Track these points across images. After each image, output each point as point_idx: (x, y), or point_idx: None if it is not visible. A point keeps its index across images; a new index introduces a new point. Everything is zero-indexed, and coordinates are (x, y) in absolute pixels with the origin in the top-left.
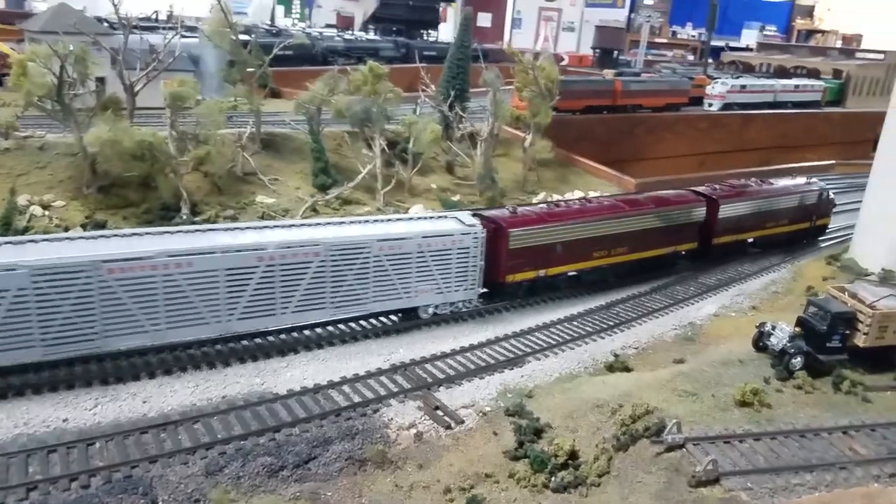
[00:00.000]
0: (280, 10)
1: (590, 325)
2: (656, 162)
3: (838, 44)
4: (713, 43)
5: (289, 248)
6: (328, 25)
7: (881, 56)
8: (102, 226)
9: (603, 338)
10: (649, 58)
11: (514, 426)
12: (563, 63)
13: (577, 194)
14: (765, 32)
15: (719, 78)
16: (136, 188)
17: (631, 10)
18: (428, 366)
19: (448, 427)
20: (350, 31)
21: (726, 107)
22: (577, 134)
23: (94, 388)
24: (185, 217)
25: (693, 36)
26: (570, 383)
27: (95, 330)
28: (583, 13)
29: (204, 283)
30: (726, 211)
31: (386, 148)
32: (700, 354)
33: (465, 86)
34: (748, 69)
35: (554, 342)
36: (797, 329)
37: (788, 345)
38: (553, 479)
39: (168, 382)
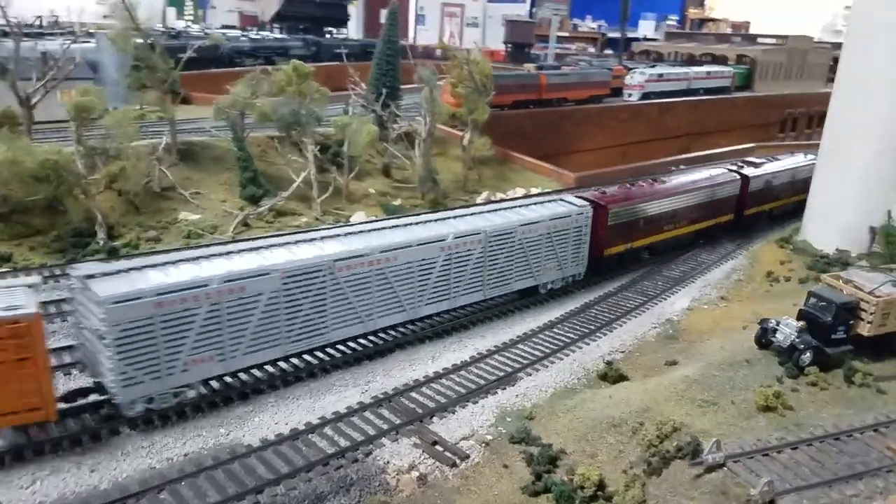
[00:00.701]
0: (171, 11)
1: (571, 331)
2: (584, 154)
3: (728, 31)
4: (612, 35)
5: (461, 237)
6: (224, 26)
7: (782, 41)
8: (7, 259)
9: (587, 343)
10: (557, 51)
11: (525, 455)
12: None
13: (519, 192)
14: (668, 22)
15: (636, 68)
16: (42, 213)
17: (532, 5)
18: (414, 394)
19: (453, 465)
20: (255, 31)
21: (645, 96)
22: (506, 130)
23: (30, 460)
24: (101, 243)
25: (593, 28)
26: (572, 399)
27: (326, 323)
28: (485, 8)
29: (404, 273)
30: (755, 184)
31: (317, 153)
32: (689, 354)
33: (396, 83)
34: (659, 58)
35: (540, 354)
36: (801, 323)
37: (798, 340)
38: None
39: (117, 444)
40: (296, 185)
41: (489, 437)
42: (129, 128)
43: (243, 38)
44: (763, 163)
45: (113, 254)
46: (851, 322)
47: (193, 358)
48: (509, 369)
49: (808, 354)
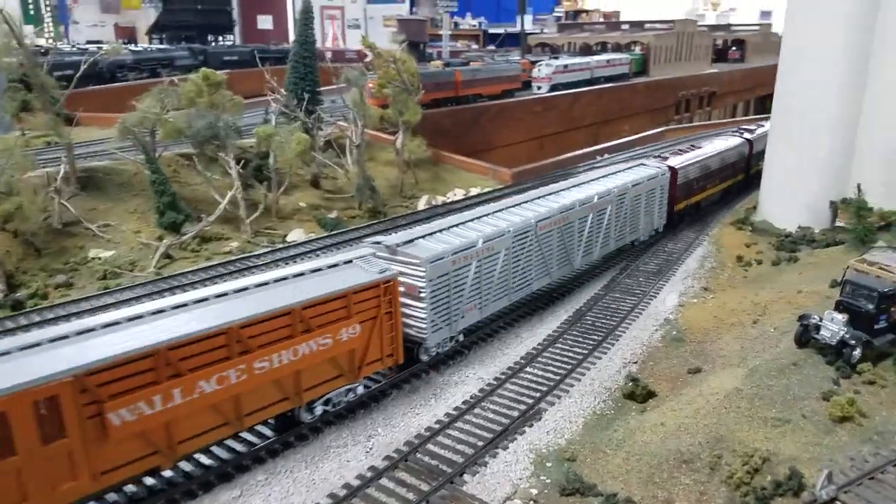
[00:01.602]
0: (28, 29)
1: (576, 345)
2: (504, 149)
3: (601, 21)
4: (493, 31)
5: (603, 197)
6: (90, 42)
7: (671, 25)
8: None
9: (598, 357)
10: (451, 49)
11: None
12: (369, 59)
13: (459, 193)
14: (555, 15)
15: (541, 61)
16: None
17: (412, 4)
18: (431, 446)
19: None
20: (133, 43)
21: (553, 88)
22: (428, 130)
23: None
24: (1, 297)
25: (474, 25)
26: (613, 430)
27: (531, 276)
28: (365, 10)
29: (573, 231)
30: (757, 146)
31: (240, 169)
32: (707, 357)
33: (316, 86)
34: (554, 50)
35: (554, 376)
36: (845, 316)
37: (848, 336)
38: None
39: None
40: (222, 206)
41: (534, 492)
42: (20, 158)
43: (124, 52)
44: (755, 129)
45: (18, 308)
46: (893, 309)
47: (467, 307)
48: (529, 400)
49: (858, 350)
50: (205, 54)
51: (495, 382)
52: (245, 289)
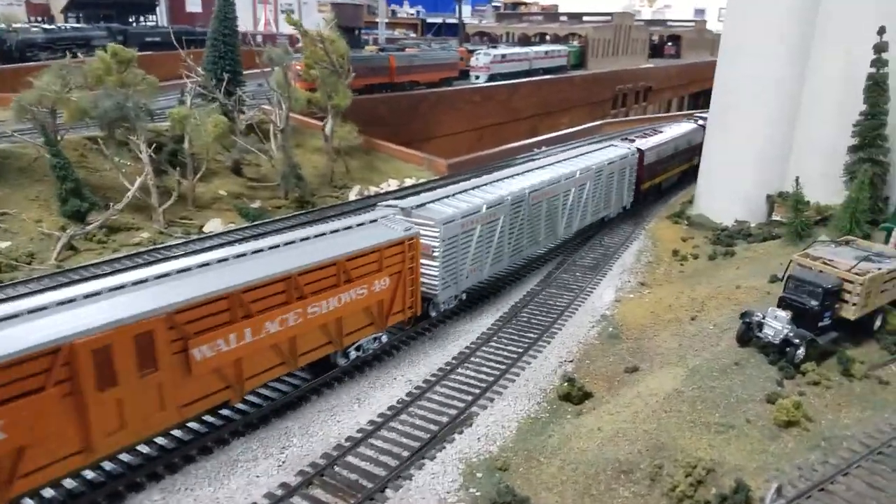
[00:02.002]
0: None
1: (511, 342)
2: (443, 140)
3: (540, 14)
4: (430, 20)
5: (584, 173)
6: None
7: (609, 18)
8: None
9: (534, 356)
10: (388, 36)
11: None
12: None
13: (393, 184)
14: (494, 5)
15: (479, 49)
16: None
17: None
18: (350, 458)
19: None
20: (48, 21)
21: (492, 78)
22: (361, 117)
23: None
24: None
25: (412, 14)
26: (548, 436)
27: (523, 243)
28: None
29: (558, 203)
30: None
31: (152, 153)
32: (645, 356)
33: (238, 66)
34: (493, 40)
35: (487, 378)
36: (789, 313)
37: (792, 334)
38: None
39: None
40: (131, 193)
41: None
42: None
43: (35, 29)
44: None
45: None
46: (837, 306)
47: (471, 268)
48: (460, 405)
49: (802, 350)
50: (125, 34)
51: (424, 385)
52: (293, 242)
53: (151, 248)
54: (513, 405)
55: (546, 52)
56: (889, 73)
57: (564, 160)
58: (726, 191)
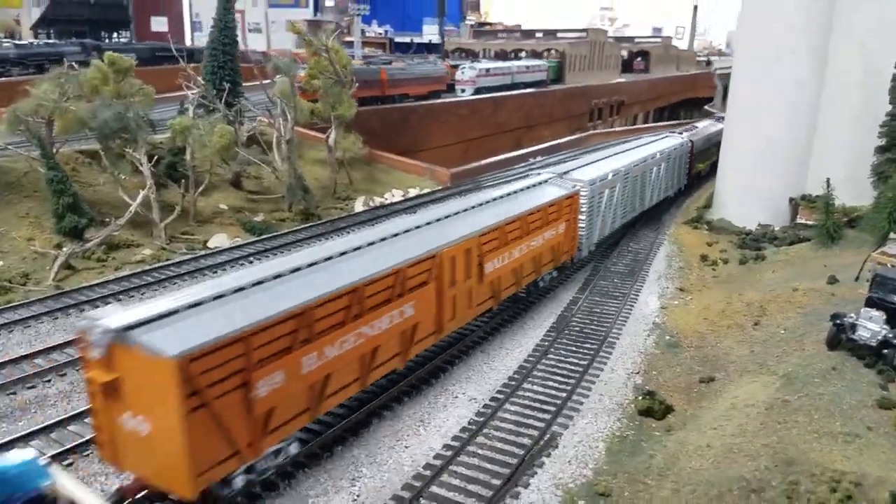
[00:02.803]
0: None
1: (572, 354)
2: (432, 152)
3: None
4: (399, 39)
5: (662, 154)
6: None
7: (583, 34)
8: None
9: (600, 368)
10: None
11: None
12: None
13: (397, 194)
14: (468, 22)
15: (463, 64)
16: None
17: (316, 10)
18: (436, 489)
19: None
20: (15, 38)
21: (477, 91)
22: (355, 129)
23: None
24: None
25: (380, 33)
26: (647, 456)
27: (626, 209)
28: (267, 14)
29: (645, 178)
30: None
31: (151, 167)
32: (716, 365)
33: (238, 77)
34: (473, 55)
35: (558, 394)
36: (882, 313)
37: (891, 335)
38: None
39: None
40: (134, 207)
41: None
42: None
43: (7, 45)
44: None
45: None
46: None
47: (599, 224)
48: (539, 424)
49: None
50: (98, 50)
51: (492, 403)
52: (502, 196)
53: (157, 265)
54: (594, 423)
55: (527, 67)
56: None
57: (639, 147)
58: (747, 194)
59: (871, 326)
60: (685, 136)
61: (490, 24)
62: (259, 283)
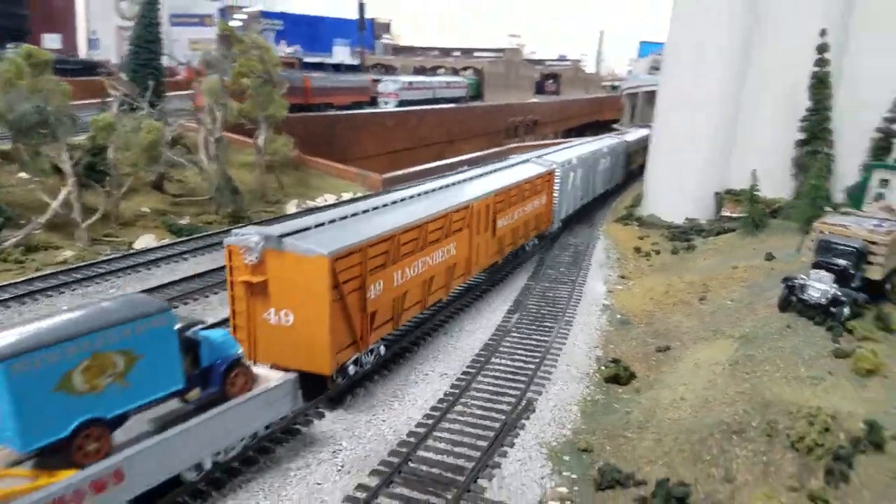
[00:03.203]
0: None
1: (535, 332)
2: (358, 162)
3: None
4: (309, 60)
5: (609, 149)
6: None
7: (500, 53)
8: None
9: (562, 343)
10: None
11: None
12: (180, 77)
13: (330, 198)
14: (385, 41)
15: (387, 77)
16: None
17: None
18: (423, 453)
19: None
20: None
21: (400, 104)
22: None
23: None
24: None
25: (290, 53)
26: (623, 414)
27: (580, 194)
28: (169, 32)
29: (595, 168)
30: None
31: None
32: (669, 336)
33: (161, 76)
34: (392, 71)
35: (528, 366)
36: (831, 275)
37: (840, 293)
38: None
39: None
40: (56, 205)
41: (564, 490)
42: None
43: None
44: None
45: None
46: (864, 267)
47: (566, 204)
48: (515, 392)
49: (847, 308)
50: None
51: (465, 377)
52: (492, 171)
53: (81, 264)
54: (565, 389)
55: (448, 83)
56: (829, 71)
57: (589, 143)
58: (674, 191)
59: (820, 286)
60: (622, 137)
61: (402, 46)
62: (355, 214)
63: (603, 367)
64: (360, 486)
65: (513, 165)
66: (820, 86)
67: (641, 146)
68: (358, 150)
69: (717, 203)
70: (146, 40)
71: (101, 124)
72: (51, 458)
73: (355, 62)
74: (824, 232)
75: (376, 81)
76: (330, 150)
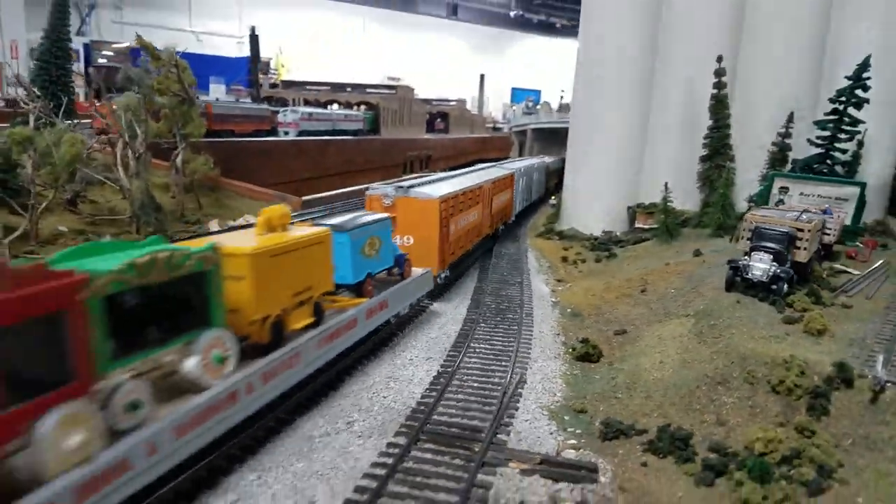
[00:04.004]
0: None
1: (501, 322)
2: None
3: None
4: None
5: (538, 165)
6: None
7: (393, 90)
8: None
9: (530, 330)
10: None
11: (644, 446)
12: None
13: (251, 219)
14: (271, 77)
15: (287, 108)
16: None
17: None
18: (437, 416)
19: (593, 480)
20: None
21: (300, 134)
22: None
23: None
24: None
25: None
26: (609, 380)
27: (522, 197)
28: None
29: (531, 178)
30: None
31: None
32: (621, 322)
33: (72, 94)
34: (283, 103)
35: (507, 348)
36: (770, 256)
37: (780, 271)
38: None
39: None
40: None
41: (574, 443)
42: None
43: None
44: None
45: None
46: (794, 251)
47: (518, 202)
48: (503, 368)
49: (785, 284)
50: None
51: (451, 360)
52: (475, 171)
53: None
54: (547, 366)
55: (346, 116)
56: (727, 92)
57: (524, 160)
58: (591, 206)
59: (761, 266)
60: (543, 160)
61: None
62: (432, 181)
63: (572, 349)
64: (390, 444)
65: (490, 167)
66: (719, 106)
67: (554, 168)
68: (263, 177)
69: (631, 216)
70: (55, 56)
71: (17, 137)
72: (350, 292)
73: (231, 99)
74: (763, 219)
75: (275, 112)
76: (235, 177)
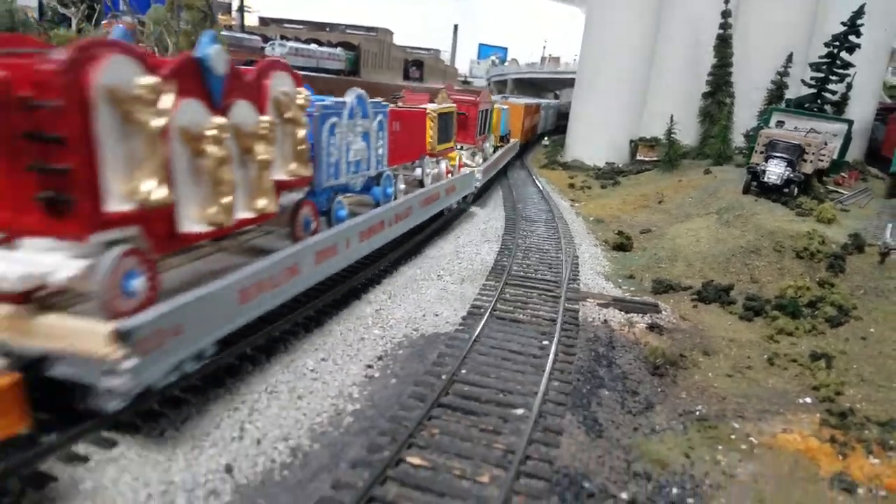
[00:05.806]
0: None
1: (540, 222)
2: None
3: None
4: None
5: (554, 104)
6: None
7: (374, 32)
8: None
9: (566, 226)
10: None
11: (692, 296)
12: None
13: None
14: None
15: (275, 41)
16: None
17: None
18: (515, 271)
19: (657, 310)
20: None
21: None
22: None
23: None
24: None
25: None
26: (650, 257)
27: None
28: None
29: (549, 114)
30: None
31: None
32: (648, 223)
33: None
34: (266, 40)
35: (554, 236)
36: (785, 163)
37: (792, 175)
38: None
39: None
40: None
41: (629, 295)
42: None
43: None
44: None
45: None
46: (801, 162)
47: (544, 125)
48: (557, 250)
49: (797, 187)
50: None
51: (507, 241)
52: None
53: None
54: (590, 250)
55: (329, 54)
56: (732, 32)
57: (539, 100)
58: (595, 138)
59: (777, 171)
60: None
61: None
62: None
63: (606, 241)
64: (484, 286)
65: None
66: (723, 45)
67: (564, 111)
68: None
69: (632, 149)
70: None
71: (61, 40)
72: None
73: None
74: (776, 134)
75: (269, 43)
76: None
